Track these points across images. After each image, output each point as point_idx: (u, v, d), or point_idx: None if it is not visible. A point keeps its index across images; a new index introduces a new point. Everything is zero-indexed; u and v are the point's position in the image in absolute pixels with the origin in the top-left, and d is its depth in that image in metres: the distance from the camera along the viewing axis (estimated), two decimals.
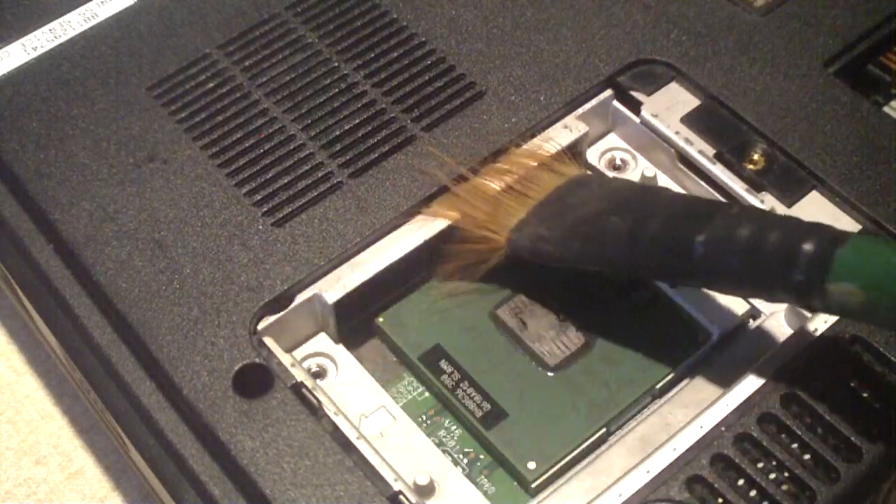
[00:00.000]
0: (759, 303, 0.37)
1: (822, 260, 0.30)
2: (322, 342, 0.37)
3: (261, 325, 0.36)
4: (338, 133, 0.40)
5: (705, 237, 0.32)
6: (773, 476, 0.32)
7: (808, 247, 0.31)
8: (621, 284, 0.37)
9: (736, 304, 0.37)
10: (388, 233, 0.37)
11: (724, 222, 0.32)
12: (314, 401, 0.34)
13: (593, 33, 0.42)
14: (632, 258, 0.34)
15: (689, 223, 0.33)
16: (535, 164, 0.38)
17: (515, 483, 0.34)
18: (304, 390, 0.35)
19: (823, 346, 0.34)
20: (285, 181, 0.39)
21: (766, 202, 0.38)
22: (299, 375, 0.35)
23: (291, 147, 0.39)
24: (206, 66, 0.42)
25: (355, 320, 0.37)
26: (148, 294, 0.36)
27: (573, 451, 0.34)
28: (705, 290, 0.37)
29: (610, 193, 0.36)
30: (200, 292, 0.36)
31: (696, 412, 0.34)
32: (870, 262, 0.30)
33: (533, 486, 0.34)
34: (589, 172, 0.39)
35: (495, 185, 0.37)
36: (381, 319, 0.37)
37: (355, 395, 0.36)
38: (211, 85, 0.41)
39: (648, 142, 0.40)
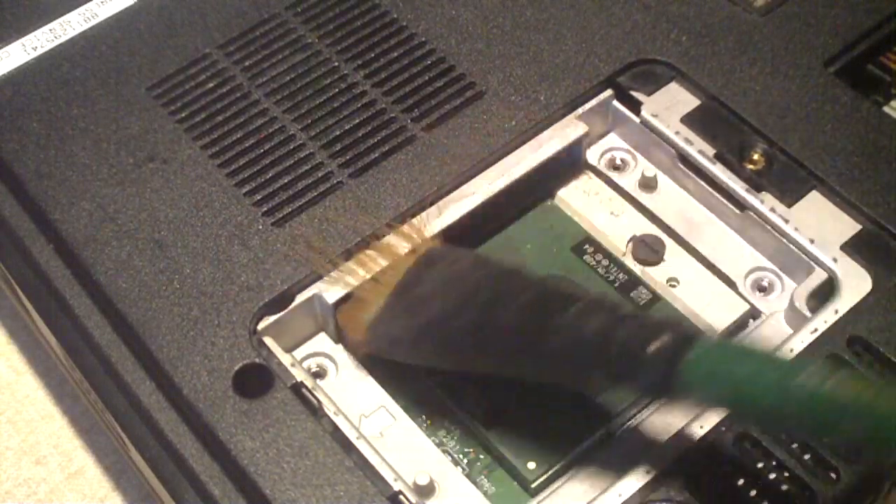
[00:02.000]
0: (759, 303, 0.37)
1: (670, 361, 0.29)
2: (322, 342, 0.37)
3: (261, 325, 0.36)
4: (338, 133, 0.40)
5: (554, 332, 0.31)
6: (773, 476, 0.32)
7: (655, 347, 0.30)
8: (620, 283, 0.37)
9: (736, 304, 0.37)
10: (388, 233, 0.37)
11: (575, 315, 0.31)
12: (314, 401, 0.34)
13: (593, 33, 0.42)
14: (484, 360, 0.33)
15: (539, 315, 0.31)
16: (392, 246, 0.36)
17: (515, 483, 0.34)
18: (304, 390, 0.35)
19: (823, 346, 0.34)
20: (285, 181, 0.39)
21: (766, 202, 0.38)
22: (299, 375, 0.35)
23: (291, 147, 0.39)
24: (206, 66, 0.42)
25: None
26: (148, 294, 0.36)
27: (573, 451, 0.34)
28: (705, 291, 0.37)
29: (457, 281, 0.34)
30: (200, 292, 0.36)
31: (696, 412, 0.34)
32: (711, 372, 0.29)
33: (533, 486, 0.34)
34: (437, 248, 0.36)
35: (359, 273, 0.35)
36: None
37: (355, 395, 0.36)
38: (211, 85, 0.41)
39: (648, 142, 0.40)
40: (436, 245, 0.36)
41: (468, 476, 0.34)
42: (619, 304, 0.32)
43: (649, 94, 0.41)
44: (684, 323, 0.31)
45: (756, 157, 0.38)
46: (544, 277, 0.35)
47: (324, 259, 0.36)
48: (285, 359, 0.35)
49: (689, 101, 0.40)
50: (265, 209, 0.38)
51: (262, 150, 0.39)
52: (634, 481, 0.33)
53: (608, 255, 0.38)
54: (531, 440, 0.34)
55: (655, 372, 0.30)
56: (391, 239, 0.36)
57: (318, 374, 0.36)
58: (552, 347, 0.31)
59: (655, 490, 0.32)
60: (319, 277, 0.36)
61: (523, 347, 0.32)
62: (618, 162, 0.41)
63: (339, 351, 0.37)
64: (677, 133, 0.39)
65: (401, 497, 0.33)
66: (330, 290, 0.36)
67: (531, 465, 0.34)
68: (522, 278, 0.34)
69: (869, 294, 0.35)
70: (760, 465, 0.33)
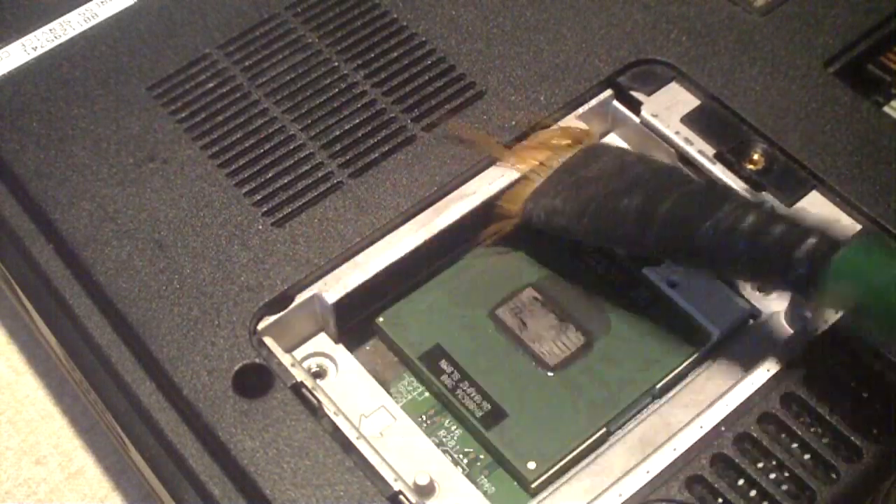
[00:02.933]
0: (759, 303, 0.37)
1: (821, 259, 0.31)
2: (322, 342, 0.37)
3: (261, 325, 0.36)
4: (338, 133, 0.40)
5: (712, 223, 0.33)
6: (773, 476, 0.32)
7: (809, 244, 0.31)
8: (620, 283, 0.37)
9: (736, 304, 0.37)
10: (388, 233, 0.37)
11: (732, 210, 0.33)
12: (314, 401, 0.34)
13: (593, 33, 0.42)
14: (641, 238, 0.34)
15: (698, 208, 0.34)
16: (550, 139, 0.39)
17: (515, 483, 0.34)
18: (304, 390, 0.35)
19: (823, 346, 0.34)
20: (285, 181, 0.39)
21: (766, 202, 0.38)
22: (299, 375, 0.35)
23: (291, 147, 0.39)
24: (206, 66, 0.42)
25: (355, 320, 0.37)
26: (148, 294, 0.36)
27: (573, 451, 0.34)
28: (705, 291, 0.37)
29: (623, 169, 0.36)
30: (200, 292, 0.36)
31: (696, 412, 0.34)
32: (866, 268, 0.31)
33: (533, 486, 0.34)
34: (603, 142, 0.40)
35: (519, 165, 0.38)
36: (381, 319, 0.37)
37: (355, 395, 0.36)
38: (211, 85, 0.41)
39: (648, 142, 0.40)
40: (597, 142, 0.39)
41: (468, 476, 0.34)
42: (772, 206, 0.34)
43: (649, 94, 0.41)
44: (835, 226, 0.33)
45: (756, 157, 0.38)
46: (700, 179, 0.38)
47: (491, 142, 0.38)
48: (285, 359, 0.35)
49: (689, 101, 0.40)
50: (265, 209, 0.38)
51: (262, 150, 0.39)
52: (634, 481, 0.33)
53: (608, 254, 0.38)
54: (531, 440, 0.34)
55: (811, 264, 0.31)
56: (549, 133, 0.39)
57: (318, 374, 0.36)
58: (709, 236, 0.33)
59: (655, 490, 0.32)
60: (319, 277, 0.36)
61: (682, 234, 0.34)
62: None
63: (339, 351, 0.37)
64: (677, 133, 0.39)
65: (401, 497, 0.33)
66: (330, 291, 0.36)
67: (531, 465, 0.34)
68: (683, 174, 0.37)
69: None
70: (760, 465, 0.33)
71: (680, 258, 0.35)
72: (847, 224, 0.37)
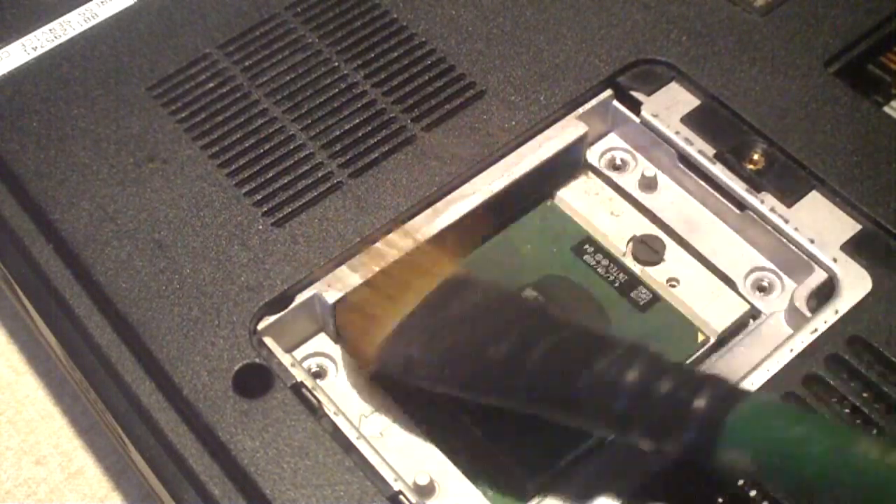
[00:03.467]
0: (759, 303, 0.37)
1: (713, 422, 0.28)
2: (322, 342, 0.37)
3: (261, 325, 0.36)
4: (338, 133, 0.40)
5: (589, 375, 0.30)
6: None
7: (699, 404, 0.29)
8: (620, 283, 0.37)
9: (736, 304, 0.37)
10: (388, 233, 0.37)
11: (613, 361, 0.30)
12: (314, 401, 0.34)
13: (593, 33, 0.42)
14: (510, 392, 0.31)
15: (574, 356, 0.31)
16: (405, 257, 0.35)
17: (515, 483, 0.34)
18: (304, 390, 0.35)
19: (823, 346, 0.34)
20: (285, 181, 0.39)
21: (766, 202, 0.38)
22: (299, 375, 0.35)
23: (291, 147, 0.39)
24: (206, 66, 0.42)
25: None
26: (148, 294, 0.36)
27: (572, 453, 0.34)
28: (705, 291, 0.37)
29: (489, 310, 0.33)
30: (200, 292, 0.36)
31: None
32: (761, 431, 0.28)
33: (533, 486, 0.34)
34: (465, 272, 0.35)
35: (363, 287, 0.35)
36: None
37: (355, 395, 0.36)
38: (211, 85, 0.41)
39: (648, 142, 0.40)
40: (460, 271, 0.34)
41: (468, 476, 0.34)
42: (659, 355, 0.30)
43: (649, 94, 0.41)
44: (727, 379, 0.30)
45: (756, 157, 0.38)
46: (576, 322, 0.33)
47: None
48: (285, 359, 0.35)
49: (689, 101, 0.40)
50: (265, 209, 0.38)
51: (262, 150, 0.39)
52: (634, 483, 0.33)
53: (608, 255, 0.38)
54: (530, 442, 0.34)
55: (698, 428, 0.28)
56: (388, 243, 0.36)
57: (318, 374, 0.36)
58: (587, 390, 0.30)
59: (654, 493, 0.32)
60: (319, 277, 0.36)
61: (555, 390, 0.31)
62: (618, 162, 0.41)
63: (339, 351, 0.37)
64: (677, 133, 0.39)
65: (401, 497, 0.33)
66: (330, 291, 0.36)
67: (531, 465, 0.34)
68: (557, 318, 0.33)
69: (869, 294, 0.35)
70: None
71: (556, 414, 0.31)
72: (846, 224, 0.37)
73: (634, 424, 0.30)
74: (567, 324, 0.32)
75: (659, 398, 0.29)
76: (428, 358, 0.33)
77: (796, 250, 0.37)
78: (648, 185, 0.40)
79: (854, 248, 0.36)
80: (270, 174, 0.39)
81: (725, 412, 0.28)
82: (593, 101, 0.41)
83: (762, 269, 0.38)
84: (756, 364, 0.35)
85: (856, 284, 0.36)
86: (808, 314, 0.36)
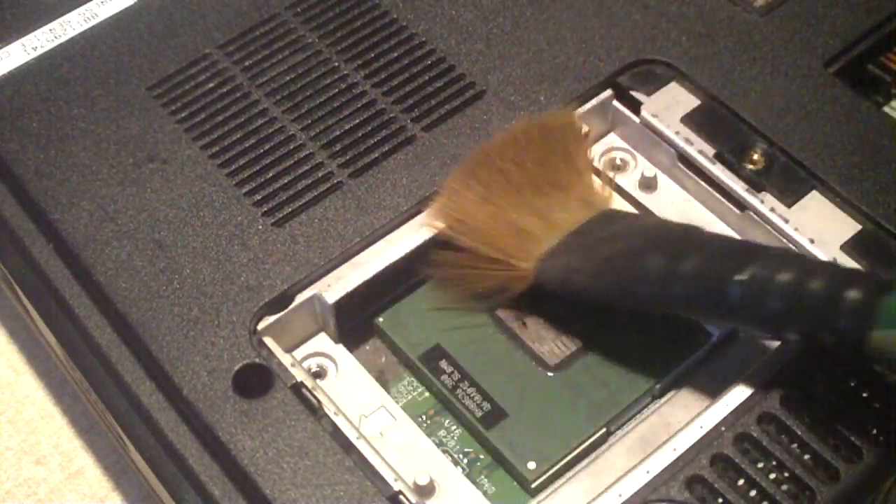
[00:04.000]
0: None
1: (865, 308, 0.30)
2: (322, 342, 0.37)
3: (261, 325, 0.36)
4: (338, 133, 0.40)
5: (744, 279, 0.32)
6: (773, 476, 0.32)
7: (851, 295, 0.30)
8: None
9: None
10: (388, 233, 0.37)
11: (764, 264, 0.32)
12: (314, 401, 0.34)
13: (593, 33, 0.42)
14: (666, 296, 0.33)
15: (727, 263, 0.32)
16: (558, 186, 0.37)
17: (515, 483, 0.34)
18: (304, 390, 0.35)
19: (823, 346, 0.34)
20: (285, 181, 0.39)
21: (766, 202, 0.38)
22: (299, 375, 0.35)
23: (291, 147, 0.39)
24: (206, 66, 0.42)
25: (355, 320, 0.37)
26: (148, 294, 0.36)
27: (573, 451, 0.34)
28: None
29: (644, 230, 0.36)
30: (200, 292, 0.36)
31: (696, 412, 0.34)
32: None
33: (533, 486, 0.34)
34: (615, 208, 0.38)
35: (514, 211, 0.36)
36: (381, 319, 0.37)
37: (355, 395, 0.36)
38: (211, 85, 0.41)
39: (648, 142, 0.40)
40: (607, 208, 0.37)
41: (468, 476, 0.34)
42: (806, 257, 0.33)
43: (649, 94, 0.41)
44: (875, 273, 0.32)
45: (756, 157, 0.38)
46: (723, 235, 0.37)
47: None
48: (285, 359, 0.35)
49: (689, 101, 0.40)
50: (265, 209, 0.38)
51: (262, 150, 0.39)
52: (634, 481, 0.33)
53: None
54: (531, 440, 0.34)
55: (855, 315, 0.30)
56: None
57: (318, 374, 0.36)
58: (740, 295, 0.32)
59: (655, 490, 0.32)
60: (319, 277, 0.36)
61: (710, 292, 0.32)
62: (618, 162, 0.41)
63: (339, 351, 0.37)
64: (677, 133, 0.39)
65: (401, 497, 0.33)
66: (330, 291, 0.36)
67: (531, 465, 0.34)
68: (705, 232, 0.35)
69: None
70: (760, 465, 0.33)
71: (711, 317, 0.34)
72: (846, 224, 0.37)
73: (789, 322, 0.32)
74: (715, 236, 0.35)
75: (812, 294, 0.31)
76: (588, 266, 0.35)
77: (796, 250, 0.37)
78: (648, 185, 0.40)
79: (854, 248, 0.36)
80: (270, 174, 0.39)
81: (879, 295, 0.30)
82: (593, 101, 0.41)
83: None
84: (756, 364, 0.35)
85: None
86: None
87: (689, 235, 0.35)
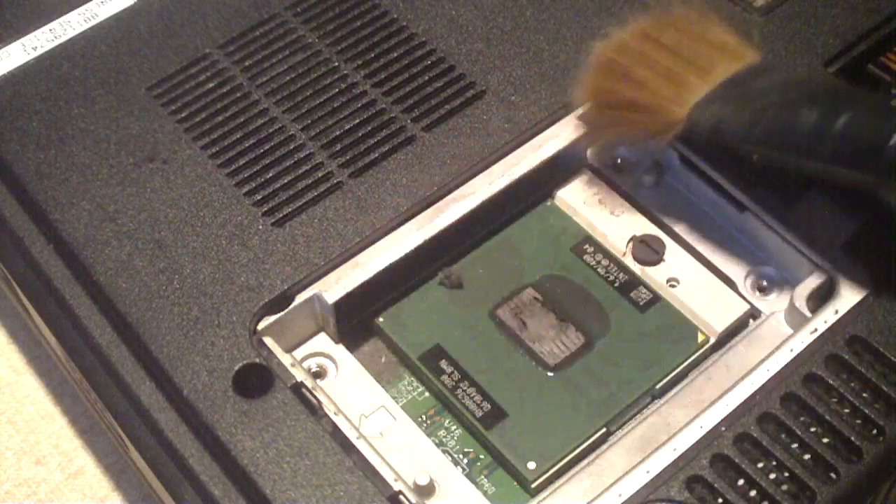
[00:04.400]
0: (759, 303, 0.37)
1: None
2: (322, 342, 0.37)
3: (261, 325, 0.36)
4: (338, 133, 0.40)
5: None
6: (773, 476, 0.32)
7: None
8: (620, 283, 0.37)
9: (736, 304, 0.37)
10: (388, 233, 0.37)
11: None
12: (314, 401, 0.34)
13: (593, 33, 0.42)
14: (818, 149, 0.34)
15: (881, 122, 0.33)
16: (708, 41, 0.38)
17: (515, 483, 0.34)
18: (304, 390, 0.35)
19: (823, 346, 0.34)
20: (285, 181, 0.39)
21: (766, 202, 0.38)
22: (299, 375, 0.35)
23: (291, 147, 0.39)
24: (206, 66, 0.42)
25: (355, 320, 0.37)
26: (148, 294, 0.36)
27: (573, 451, 0.34)
28: (705, 291, 0.37)
29: (796, 84, 0.36)
30: (200, 292, 0.36)
31: (696, 412, 0.34)
32: None
33: (533, 486, 0.34)
34: (766, 60, 0.39)
35: (668, 58, 0.37)
36: (381, 319, 0.37)
37: (355, 395, 0.36)
38: (211, 85, 0.41)
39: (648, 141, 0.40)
40: (757, 59, 0.38)
41: (468, 476, 0.34)
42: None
43: None
44: None
45: (756, 157, 0.38)
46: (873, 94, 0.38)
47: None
48: (285, 359, 0.35)
49: None
50: (265, 209, 0.38)
51: (262, 150, 0.39)
52: (634, 481, 0.33)
53: (608, 255, 0.38)
54: (531, 440, 0.34)
55: None
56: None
57: (318, 374, 0.36)
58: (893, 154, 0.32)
59: (655, 490, 0.32)
60: (319, 277, 0.36)
61: (863, 149, 0.33)
62: (618, 162, 0.41)
63: (339, 351, 0.37)
64: None
65: (401, 497, 0.33)
66: (330, 291, 0.36)
67: (531, 465, 0.34)
68: (858, 90, 0.37)
69: (869, 294, 0.35)
70: (760, 465, 0.33)
71: (858, 173, 0.34)
72: (846, 224, 0.37)
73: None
74: (866, 95, 0.36)
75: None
76: (740, 116, 0.35)
77: (796, 250, 0.37)
78: (649, 184, 0.40)
79: (854, 248, 0.36)
80: (270, 174, 0.39)
81: None
82: None
83: (762, 269, 0.38)
84: (756, 364, 0.35)
85: (855, 284, 0.36)
86: (808, 314, 0.36)
87: (839, 92, 0.36)
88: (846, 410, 0.33)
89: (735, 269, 0.38)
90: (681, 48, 0.37)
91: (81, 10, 0.44)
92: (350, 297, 0.36)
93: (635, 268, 0.38)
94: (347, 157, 0.39)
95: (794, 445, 0.33)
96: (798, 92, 0.35)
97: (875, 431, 0.33)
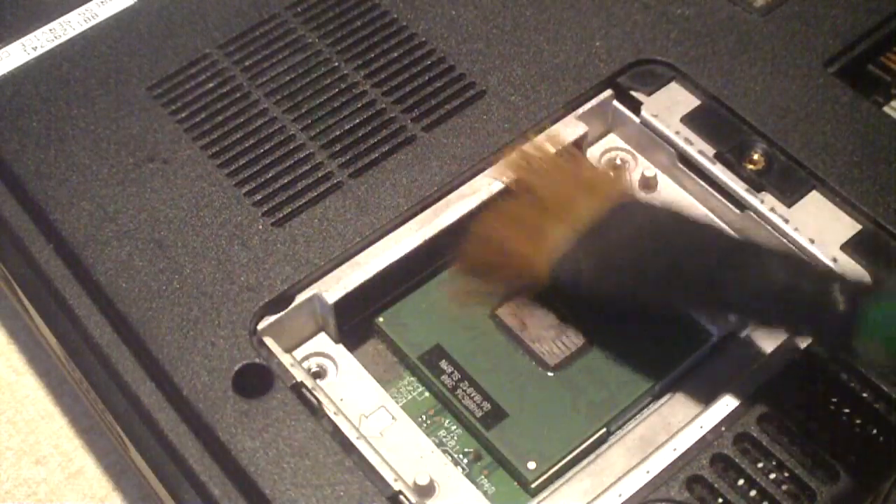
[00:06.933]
0: None
1: (847, 316, 0.31)
2: (322, 342, 0.37)
3: (261, 325, 0.36)
4: (338, 133, 0.40)
5: (739, 283, 0.33)
6: (772, 476, 0.32)
7: (836, 301, 0.31)
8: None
9: None
10: (388, 233, 0.37)
11: (760, 268, 0.33)
12: (314, 401, 0.34)
13: (593, 33, 0.42)
14: (669, 299, 0.35)
15: (725, 265, 0.33)
16: (568, 180, 0.37)
17: (515, 483, 0.34)
18: (304, 390, 0.35)
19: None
20: (285, 181, 0.39)
21: (766, 202, 0.38)
22: (299, 375, 0.35)
23: (291, 147, 0.39)
24: (206, 66, 0.42)
25: (355, 320, 0.37)
26: (148, 294, 0.36)
27: (573, 451, 0.34)
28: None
29: (651, 230, 0.36)
30: (200, 292, 0.36)
31: (696, 412, 0.34)
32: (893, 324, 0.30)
33: (533, 486, 0.34)
34: (629, 196, 0.38)
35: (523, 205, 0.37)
36: (381, 319, 0.37)
37: (355, 395, 0.36)
38: (211, 85, 0.41)
39: (648, 142, 0.40)
40: (625, 198, 0.37)
41: (468, 476, 0.34)
42: (800, 259, 0.35)
43: (649, 94, 0.41)
44: (863, 279, 0.33)
45: (756, 157, 0.38)
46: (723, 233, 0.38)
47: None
48: (285, 359, 0.35)
49: (689, 101, 0.40)
50: (265, 209, 0.38)
51: (262, 150, 0.39)
52: (634, 481, 0.33)
53: None
54: (531, 440, 0.34)
55: (840, 321, 0.31)
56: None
57: (318, 374, 0.36)
58: (737, 296, 0.33)
59: (655, 490, 0.32)
60: (319, 277, 0.36)
61: (709, 294, 0.34)
62: (618, 162, 0.41)
63: (339, 351, 0.37)
64: (677, 133, 0.39)
65: (401, 497, 0.33)
66: (330, 291, 0.36)
67: (531, 465, 0.34)
68: (714, 231, 0.37)
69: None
70: (760, 465, 0.33)
71: (710, 314, 0.36)
72: (847, 224, 0.37)
73: (780, 321, 0.33)
74: (716, 236, 0.36)
75: (802, 298, 0.32)
76: (598, 275, 0.35)
77: (796, 250, 0.37)
78: (648, 185, 0.40)
79: (854, 248, 0.36)
80: (270, 174, 0.39)
81: (861, 306, 0.31)
82: (593, 101, 0.41)
83: None
84: (757, 364, 0.35)
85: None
86: None
87: (694, 236, 0.35)
88: (846, 410, 0.33)
89: None
90: (546, 196, 0.37)
91: (81, 10, 0.44)
92: (350, 297, 0.36)
93: None
94: (347, 157, 0.39)
95: (795, 445, 0.33)
96: (647, 239, 0.35)
97: (876, 431, 0.33)
